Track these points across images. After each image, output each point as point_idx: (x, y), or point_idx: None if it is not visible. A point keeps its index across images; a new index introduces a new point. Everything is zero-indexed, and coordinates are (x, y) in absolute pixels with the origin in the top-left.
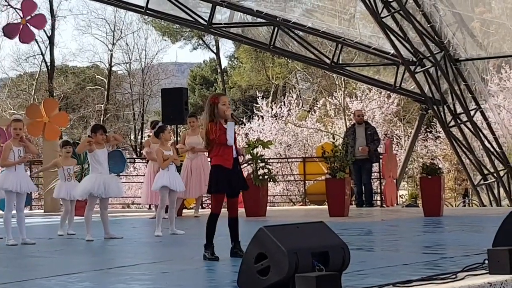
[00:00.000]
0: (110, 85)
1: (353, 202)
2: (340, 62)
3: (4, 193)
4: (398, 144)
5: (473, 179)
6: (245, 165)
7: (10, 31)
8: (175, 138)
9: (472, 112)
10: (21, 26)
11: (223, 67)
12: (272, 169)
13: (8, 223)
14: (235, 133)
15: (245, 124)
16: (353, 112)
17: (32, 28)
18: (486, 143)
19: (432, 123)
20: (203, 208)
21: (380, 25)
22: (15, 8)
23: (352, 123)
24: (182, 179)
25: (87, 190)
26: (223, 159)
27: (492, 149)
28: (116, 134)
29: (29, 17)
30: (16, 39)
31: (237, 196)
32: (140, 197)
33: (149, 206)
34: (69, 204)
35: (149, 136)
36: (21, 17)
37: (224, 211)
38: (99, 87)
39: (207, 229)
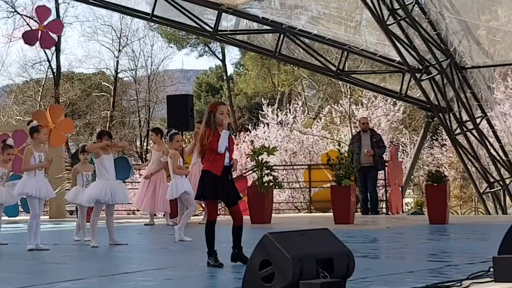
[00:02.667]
0: (116, 92)
1: (359, 210)
2: (346, 69)
3: (27, 199)
4: (404, 151)
5: (479, 187)
6: (250, 172)
7: (29, 38)
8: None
9: (478, 120)
10: (40, 32)
11: (229, 74)
12: (277, 176)
13: (32, 228)
14: (233, 143)
15: (250, 131)
16: (358, 119)
17: (50, 33)
18: (492, 151)
19: (438, 131)
20: None
21: (386, 33)
22: (21, 15)
23: (357, 130)
24: None
25: (94, 197)
26: (212, 165)
27: (498, 157)
28: (122, 141)
29: (46, 23)
30: (21, 45)
31: (234, 204)
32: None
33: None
34: (85, 209)
35: (154, 143)
36: (29, 24)
37: (228, 218)
38: (105, 94)
39: (206, 236)
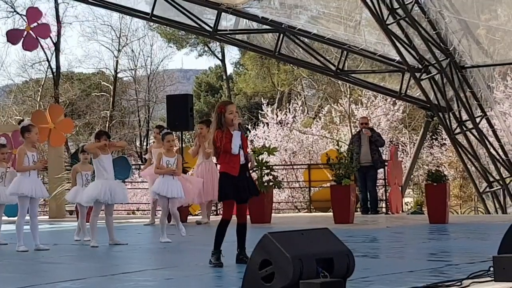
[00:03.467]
0: (116, 92)
1: (358, 209)
2: (346, 69)
3: (18, 198)
4: (404, 151)
5: (478, 186)
6: (250, 171)
7: (13, 36)
8: (180, 145)
9: (477, 119)
10: (25, 33)
11: (228, 74)
12: (277, 175)
13: (20, 229)
14: (246, 140)
15: (250, 131)
16: (358, 119)
17: (36, 36)
18: (491, 150)
19: (438, 130)
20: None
21: (385, 32)
22: (21, 15)
23: (357, 130)
24: (195, 185)
25: (93, 197)
26: (229, 167)
27: (497, 157)
28: (121, 140)
29: (34, 25)
30: (19, 45)
31: (245, 202)
32: (146, 203)
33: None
34: (85, 209)
35: (153, 142)
36: (26, 24)
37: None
38: (105, 94)
39: (217, 234)
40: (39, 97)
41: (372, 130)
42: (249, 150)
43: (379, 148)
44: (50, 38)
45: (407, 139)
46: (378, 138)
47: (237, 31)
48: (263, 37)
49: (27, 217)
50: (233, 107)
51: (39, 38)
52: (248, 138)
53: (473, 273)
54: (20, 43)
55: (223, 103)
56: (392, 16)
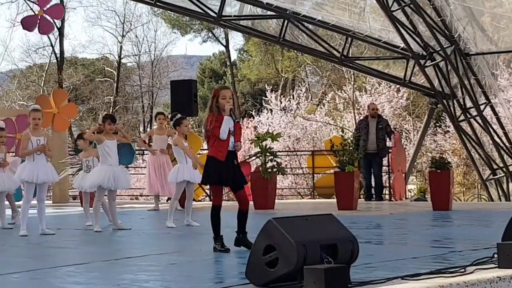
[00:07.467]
0: (120, 77)
1: (362, 196)
2: (350, 55)
3: (24, 183)
4: (407, 138)
5: (482, 173)
6: (254, 158)
7: (28, 23)
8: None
9: (481, 107)
10: (39, 17)
11: (232, 60)
12: (280, 162)
13: (24, 214)
14: (240, 129)
15: (254, 117)
16: (368, 105)
17: (49, 18)
18: (495, 137)
19: (442, 118)
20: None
21: (390, 19)
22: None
23: (365, 115)
24: None
25: (97, 183)
26: (216, 151)
27: (501, 144)
28: (124, 130)
29: (46, 7)
30: (25, 30)
31: (240, 189)
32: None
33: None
34: (88, 194)
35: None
36: (33, 9)
37: (231, 203)
38: (109, 79)
39: (212, 222)
40: (42, 82)
41: (379, 117)
42: (244, 139)
43: (386, 137)
44: (54, 23)
45: (411, 126)
46: (386, 127)
47: (242, 17)
48: (268, 23)
49: (34, 202)
50: (227, 92)
51: (53, 20)
52: (252, 124)
53: (477, 259)
54: (36, 29)
55: (218, 87)
56: (397, 2)
